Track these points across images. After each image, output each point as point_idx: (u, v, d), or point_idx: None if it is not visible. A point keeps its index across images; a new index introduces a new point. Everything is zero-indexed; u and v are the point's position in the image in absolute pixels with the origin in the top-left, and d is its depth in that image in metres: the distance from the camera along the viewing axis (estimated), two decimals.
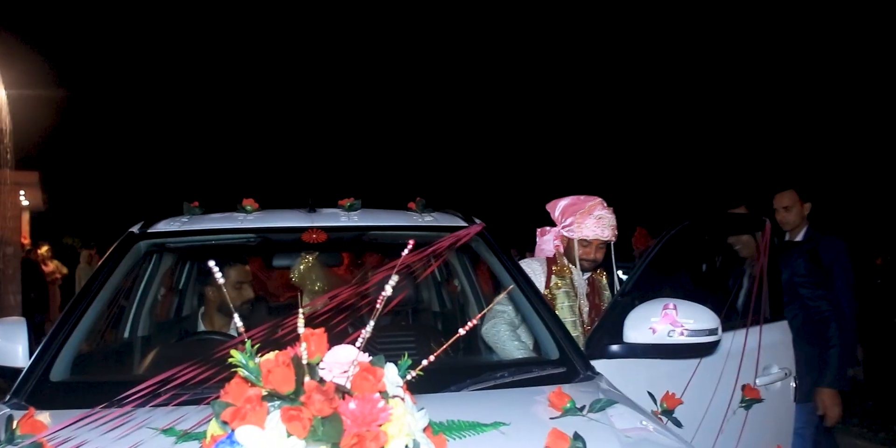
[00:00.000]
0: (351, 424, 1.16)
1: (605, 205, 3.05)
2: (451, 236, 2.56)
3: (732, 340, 2.75)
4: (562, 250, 3.10)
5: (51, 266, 12.81)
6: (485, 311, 1.52)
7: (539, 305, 2.40)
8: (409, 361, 1.32)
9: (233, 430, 1.17)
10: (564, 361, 2.16)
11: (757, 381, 2.81)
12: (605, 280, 3.18)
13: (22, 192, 12.96)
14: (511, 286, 2.34)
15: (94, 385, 2.03)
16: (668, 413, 2.46)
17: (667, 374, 2.60)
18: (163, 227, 2.64)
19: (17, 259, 11.59)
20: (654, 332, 2.32)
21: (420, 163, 25.58)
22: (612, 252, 3.08)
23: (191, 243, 2.72)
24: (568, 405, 1.66)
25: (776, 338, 2.96)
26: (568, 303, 2.96)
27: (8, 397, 1.96)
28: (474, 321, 1.30)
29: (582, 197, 3.09)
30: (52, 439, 1.48)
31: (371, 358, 1.25)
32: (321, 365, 1.23)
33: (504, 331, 2.73)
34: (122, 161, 25.13)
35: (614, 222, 3.02)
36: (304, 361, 1.18)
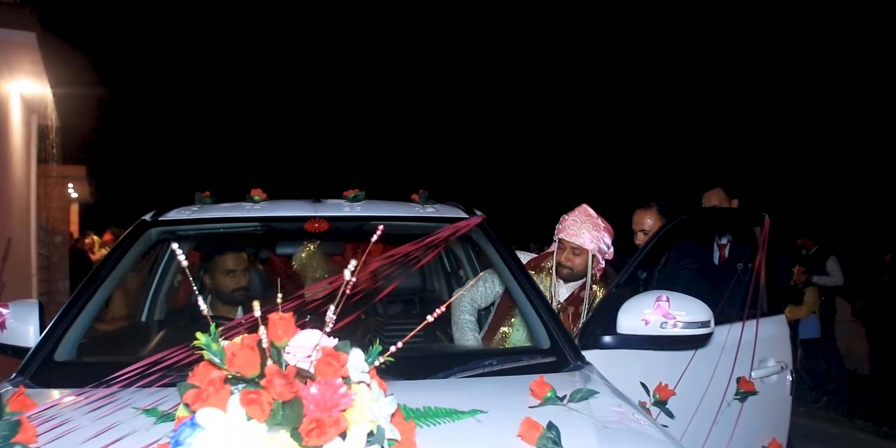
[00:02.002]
0: (312, 409, 1.09)
1: (589, 212, 2.87)
2: (450, 227, 2.49)
3: (728, 333, 2.64)
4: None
5: (97, 254, 12.97)
6: (452, 298, 1.43)
7: (533, 296, 2.32)
8: (380, 348, 1.25)
9: (194, 413, 1.11)
10: (555, 351, 2.07)
11: (752, 373, 2.70)
12: (598, 295, 2.88)
13: (70, 185, 13.12)
14: (482, 273, 2.26)
15: (95, 365, 1.99)
16: (660, 404, 2.37)
17: (661, 365, 2.51)
18: (173, 215, 2.61)
19: (64, 247, 11.76)
20: (646, 323, 2.23)
21: (439, 162, 25.59)
22: (590, 265, 2.84)
23: (199, 231, 2.69)
24: (549, 394, 1.58)
25: (773, 331, 2.85)
26: None
27: (14, 376, 1.93)
28: (442, 308, 1.22)
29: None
30: (38, 417, 1.44)
31: (337, 343, 1.18)
32: (286, 349, 1.17)
33: (465, 301, 2.75)
34: (162, 155, 25.49)
35: (591, 230, 2.80)
36: (265, 345, 1.12)
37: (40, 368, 1.93)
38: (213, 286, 2.74)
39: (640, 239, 3.15)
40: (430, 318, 1.22)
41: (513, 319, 2.79)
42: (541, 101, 26.93)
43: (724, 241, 3.46)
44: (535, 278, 2.80)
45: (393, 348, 1.23)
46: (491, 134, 27.19)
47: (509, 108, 27.42)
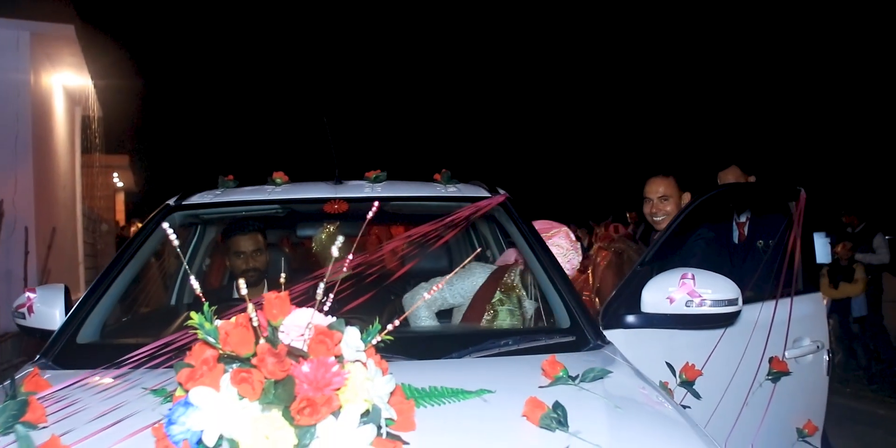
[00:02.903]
0: (306, 388, 1.07)
1: (571, 237, 2.72)
2: (471, 206, 2.45)
3: (760, 312, 2.56)
4: (522, 267, 2.68)
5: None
6: (447, 278, 1.37)
7: (555, 275, 2.27)
8: (379, 326, 1.23)
9: (187, 391, 1.10)
10: (574, 330, 2.03)
11: (786, 353, 2.61)
12: None
13: (115, 174, 13.43)
14: (477, 250, 2.19)
15: (116, 347, 2.01)
16: (687, 384, 2.31)
17: (688, 345, 2.43)
18: (196, 199, 2.63)
19: (110, 236, 12.07)
20: (671, 301, 2.17)
21: (466, 142, 25.65)
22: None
23: (221, 214, 2.70)
24: (560, 374, 1.54)
25: (808, 310, 2.74)
26: (510, 321, 2.56)
27: (37, 358, 1.96)
28: (440, 284, 1.19)
29: (555, 223, 2.76)
30: (51, 398, 1.45)
31: (332, 321, 1.16)
32: (280, 328, 1.15)
33: (422, 308, 2.61)
34: (204, 142, 26.03)
35: (574, 256, 2.68)
36: (254, 323, 1.10)
37: (63, 350, 1.96)
38: (230, 268, 2.76)
39: (656, 207, 3.02)
40: (426, 296, 1.18)
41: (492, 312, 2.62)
42: (562, 82, 26.79)
43: (742, 219, 3.34)
44: (503, 298, 2.61)
45: (390, 327, 1.20)
46: (514, 114, 27.14)
47: (530, 88, 27.34)
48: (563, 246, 2.68)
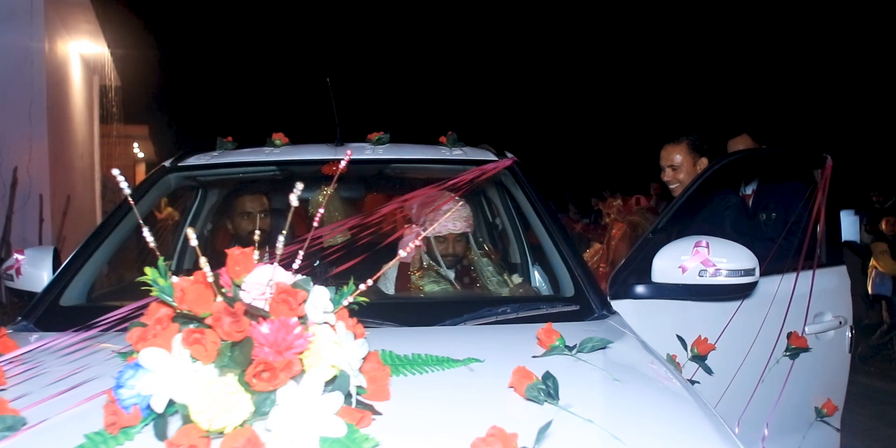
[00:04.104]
0: (266, 351, 0.97)
1: (455, 197, 2.56)
2: (476, 169, 2.34)
3: (780, 285, 2.42)
4: (424, 249, 2.63)
5: (164, 213, 13.26)
6: (424, 234, 1.26)
7: (561, 242, 2.16)
8: (353, 288, 1.13)
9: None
10: (579, 299, 1.92)
11: (806, 328, 2.48)
12: (480, 259, 2.71)
13: (136, 145, 13.43)
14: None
15: (99, 310, 1.94)
16: (699, 359, 2.19)
17: (702, 317, 2.31)
18: (192, 161, 2.54)
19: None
20: (683, 271, 2.04)
21: (480, 109, 25.31)
22: (472, 242, 2.69)
23: (218, 176, 2.61)
24: (556, 343, 1.43)
25: (832, 284, 2.60)
26: (439, 289, 2.52)
27: (18, 320, 1.90)
28: (417, 241, 1.08)
29: (433, 192, 2.54)
30: (16, 360, 1.39)
31: (296, 280, 1.06)
32: (242, 286, 1.06)
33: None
34: (223, 110, 25.88)
35: (466, 213, 2.60)
36: (210, 279, 1.00)
37: (45, 313, 1.89)
38: (233, 230, 2.70)
39: (669, 175, 2.89)
40: (402, 253, 1.08)
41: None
42: (576, 44, 26.35)
43: (749, 190, 3.19)
44: (423, 280, 2.54)
45: (363, 287, 1.10)
46: (530, 80, 26.76)
47: (544, 52, 26.97)
48: (455, 209, 2.56)
